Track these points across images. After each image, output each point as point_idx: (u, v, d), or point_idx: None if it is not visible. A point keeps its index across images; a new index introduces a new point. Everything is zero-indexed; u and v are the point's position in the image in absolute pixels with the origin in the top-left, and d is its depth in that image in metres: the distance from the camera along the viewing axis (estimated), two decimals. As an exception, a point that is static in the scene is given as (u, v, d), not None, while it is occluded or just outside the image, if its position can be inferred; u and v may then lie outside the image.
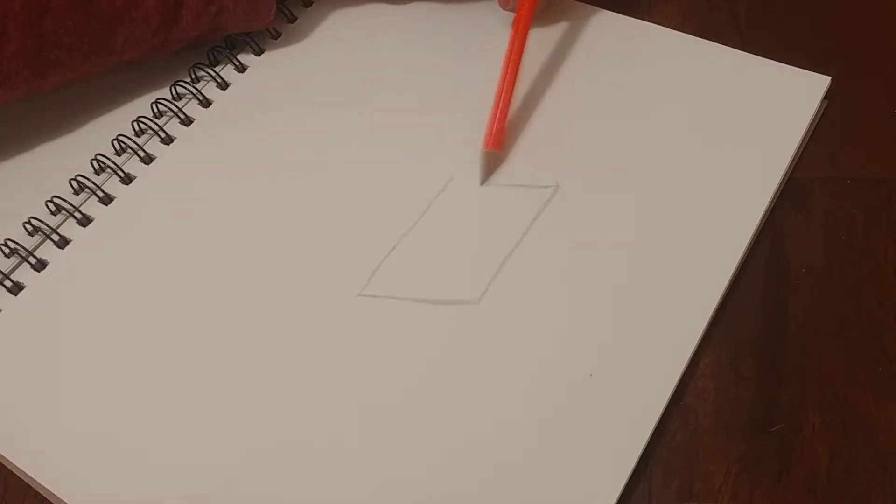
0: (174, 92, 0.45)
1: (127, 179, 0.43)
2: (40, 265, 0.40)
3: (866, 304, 0.37)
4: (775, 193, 0.40)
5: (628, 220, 0.39)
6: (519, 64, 0.42)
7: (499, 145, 0.41)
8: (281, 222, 0.41)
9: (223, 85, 0.46)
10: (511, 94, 0.42)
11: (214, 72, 0.46)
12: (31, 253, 0.40)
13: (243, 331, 0.37)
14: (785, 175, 0.40)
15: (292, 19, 0.49)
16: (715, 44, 0.45)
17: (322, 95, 0.45)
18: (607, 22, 0.47)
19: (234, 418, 0.35)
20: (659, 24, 0.46)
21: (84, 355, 0.37)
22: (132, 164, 0.43)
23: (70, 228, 0.41)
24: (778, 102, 0.42)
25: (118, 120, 0.45)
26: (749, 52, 0.44)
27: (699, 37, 0.45)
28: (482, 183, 0.41)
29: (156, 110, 0.45)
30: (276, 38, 0.48)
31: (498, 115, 0.41)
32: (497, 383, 0.35)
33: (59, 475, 0.34)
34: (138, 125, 0.44)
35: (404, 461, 0.34)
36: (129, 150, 0.43)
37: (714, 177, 0.40)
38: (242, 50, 0.47)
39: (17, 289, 0.39)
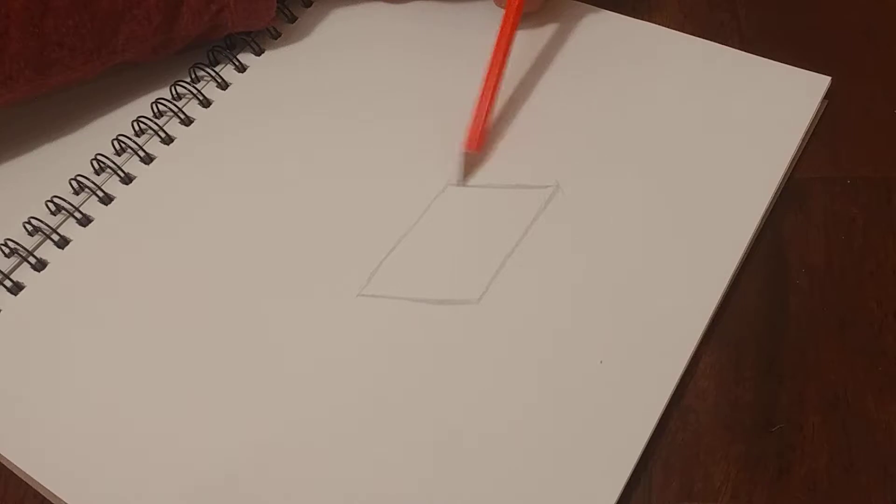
0: (174, 92, 0.45)
1: (127, 179, 0.43)
2: (40, 265, 0.40)
3: (866, 303, 0.37)
4: (775, 193, 0.40)
5: (628, 219, 0.39)
6: (503, 66, 0.42)
7: (480, 146, 0.41)
8: (281, 222, 0.41)
9: (223, 85, 0.46)
10: (493, 95, 0.42)
11: (214, 72, 0.46)
12: (31, 253, 0.40)
13: (243, 330, 0.37)
14: (785, 175, 0.40)
15: (292, 19, 0.49)
16: (715, 44, 0.45)
17: (322, 95, 0.45)
18: (607, 22, 0.47)
19: (235, 418, 0.35)
20: (659, 24, 0.46)
21: (84, 355, 0.37)
22: (132, 164, 0.43)
23: (70, 228, 0.41)
24: (778, 102, 0.42)
25: (118, 120, 0.45)
26: (749, 52, 0.44)
27: (699, 37, 0.45)
28: (460, 184, 0.41)
29: (156, 110, 0.45)
30: (276, 38, 0.48)
31: (482, 116, 0.41)
32: (497, 383, 0.35)
33: (59, 475, 0.34)
34: (138, 125, 0.44)
35: (404, 461, 0.34)
36: (129, 150, 0.43)
37: (714, 177, 0.40)
38: (242, 50, 0.47)
39: (17, 289, 0.39)
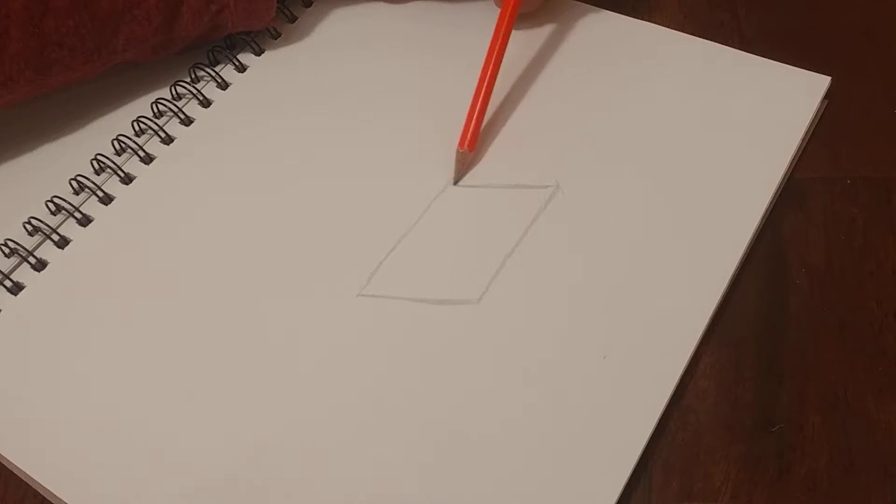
0: (174, 92, 0.45)
1: (127, 179, 0.43)
2: (40, 265, 0.40)
3: (866, 303, 0.37)
4: (775, 193, 0.40)
5: (628, 219, 0.39)
6: (497, 66, 0.42)
7: (473, 146, 0.41)
8: (281, 222, 0.41)
9: (223, 85, 0.46)
10: (487, 95, 0.42)
11: (214, 72, 0.46)
12: (31, 253, 0.40)
13: (243, 330, 0.37)
14: (785, 175, 0.40)
15: (292, 19, 0.49)
16: (715, 44, 0.45)
17: (322, 95, 0.45)
18: (607, 22, 0.47)
19: (235, 418, 0.35)
20: (659, 24, 0.46)
21: (84, 355, 0.37)
22: (132, 164, 0.43)
23: (70, 228, 0.41)
24: (778, 102, 0.42)
25: (118, 120, 0.45)
26: (749, 52, 0.44)
27: (699, 37, 0.45)
28: (455, 183, 0.41)
29: (156, 110, 0.45)
30: (276, 38, 0.48)
31: (475, 116, 0.41)
32: (497, 383, 0.35)
33: (59, 475, 0.34)
34: (138, 125, 0.44)
35: (404, 460, 0.34)
36: (129, 150, 0.43)
37: (714, 177, 0.40)
38: (242, 50, 0.47)
39: (17, 289, 0.39)
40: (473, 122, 0.41)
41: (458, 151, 0.41)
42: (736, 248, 0.38)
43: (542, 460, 0.33)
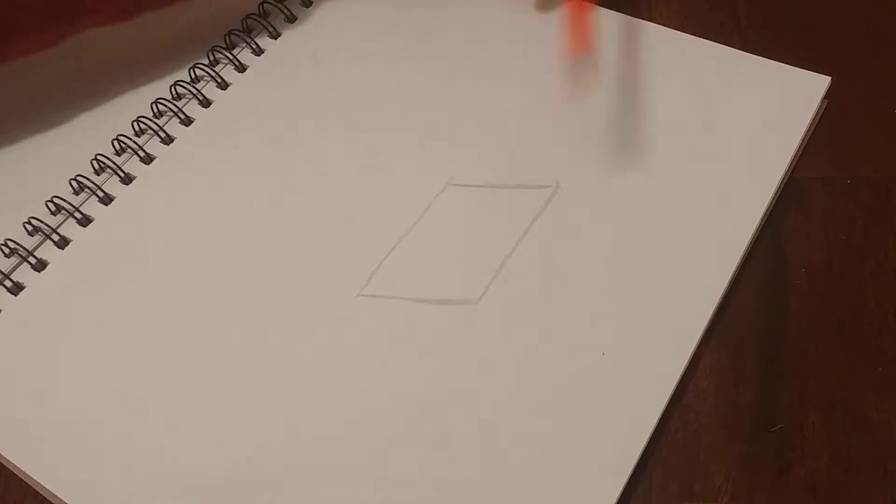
0: (174, 92, 0.45)
1: (127, 179, 0.43)
2: (40, 265, 0.40)
3: (866, 304, 0.37)
4: (775, 193, 0.40)
5: (628, 219, 0.39)
6: None
7: (587, 50, 0.37)
8: (281, 222, 0.41)
9: (223, 85, 0.46)
10: None
11: (214, 72, 0.46)
12: (31, 253, 0.40)
13: (244, 330, 0.37)
14: (785, 175, 0.40)
15: (292, 19, 0.49)
16: (715, 44, 0.45)
17: (322, 95, 0.45)
18: (607, 21, 0.47)
19: (235, 418, 0.35)
20: (659, 24, 0.46)
21: (84, 355, 0.37)
22: (132, 164, 0.43)
23: (70, 228, 0.41)
24: (778, 102, 0.42)
25: (118, 120, 0.45)
26: (749, 52, 0.44)
27: (699, 37, 0.45)
28: (574, 97, 0.37)
29: (156, 110, 0.45)
30: (275, 38, 0.48)
31: (584, 17, 0.38)
32: (496, 383, 0.35)
33: (59, 475, 0.34)
34: (138, 125, 0.44)
35: (404, 460, 0.34)
36: (129, 150, 0.43)
37: (714, 177, 0.40)
38: (242, 50, 0.47)
39: (17, 289, 0.39)
40: (583, 20, 0.38)
41: (573, 62, 0.37)
42: (736, 248, 0.38)
43: (542, 460, 0.33)
